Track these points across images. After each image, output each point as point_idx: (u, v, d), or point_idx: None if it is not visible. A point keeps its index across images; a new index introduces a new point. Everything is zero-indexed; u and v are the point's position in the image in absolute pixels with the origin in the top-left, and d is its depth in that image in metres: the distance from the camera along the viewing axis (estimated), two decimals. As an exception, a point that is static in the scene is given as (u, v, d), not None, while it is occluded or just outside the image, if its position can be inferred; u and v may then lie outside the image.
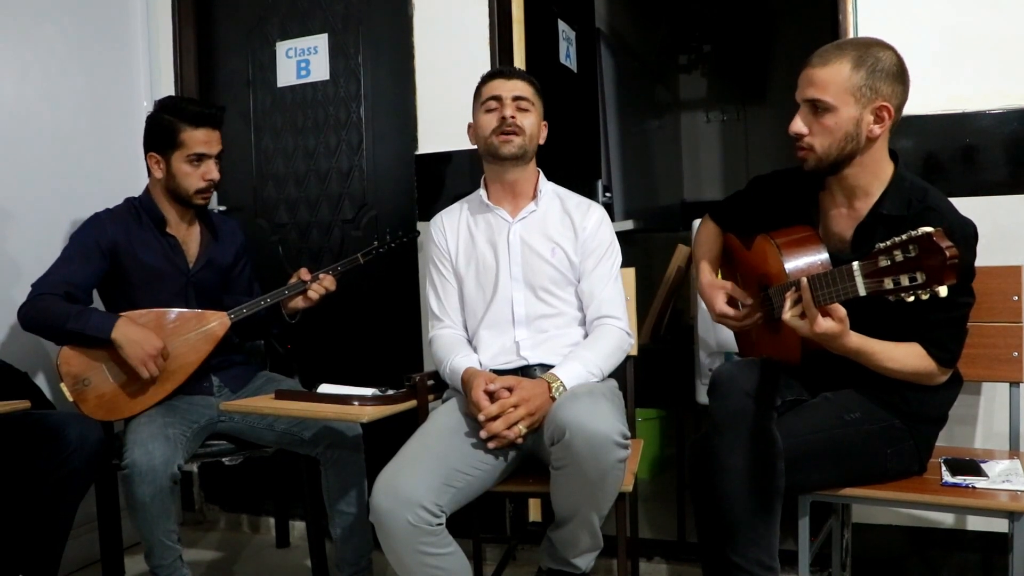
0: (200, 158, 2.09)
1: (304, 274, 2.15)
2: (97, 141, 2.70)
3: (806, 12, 4.63)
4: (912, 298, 1.27)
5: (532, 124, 1.89)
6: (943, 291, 1.24)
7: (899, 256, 1.27)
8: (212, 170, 2.12)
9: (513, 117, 1.86)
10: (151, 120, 2.12)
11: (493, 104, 1.89)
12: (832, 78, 1.54)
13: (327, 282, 2.15)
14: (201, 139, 2.09)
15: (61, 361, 1.96)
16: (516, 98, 1.88)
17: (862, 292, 1.35)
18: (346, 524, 2.10)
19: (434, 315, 1.97)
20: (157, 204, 2.15)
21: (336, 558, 2.15)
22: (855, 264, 1.35)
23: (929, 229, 1.24)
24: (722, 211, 2.00)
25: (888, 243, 1.29)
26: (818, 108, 1.56)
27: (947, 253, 1.22)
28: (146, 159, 2.12)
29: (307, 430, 2.07)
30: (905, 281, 1.27)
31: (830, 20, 2.17)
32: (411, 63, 2.58)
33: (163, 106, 2.14)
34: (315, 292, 2.13)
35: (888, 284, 1.29)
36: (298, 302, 2.14)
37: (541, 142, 1.95)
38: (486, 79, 1.94)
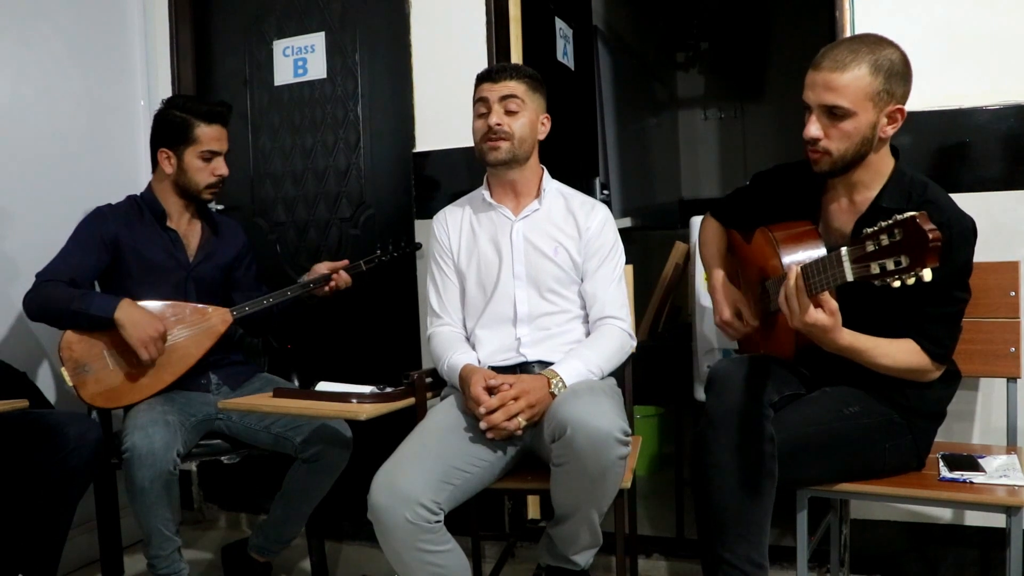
0: (212, 155, 2.14)
1: (323, 268, 2.19)
2: (94, 140, 2.70)
3: (803, 9, 4.64)
4: (898, 283, 1.26)
5: (523, 125, 1.84)
6: (927, 275, 1.23)
7: (885, 240, 1.27)
8: (221, 166, 2.17)
9: (499, 124, 1.82)
10: (162, 116, 2.15)
11: (482, 108, 1.86)
12: (851, 84, 1.51)
13: (343, 279, 2.19)
14: (213, 136, 2.14)
15: (63, 346, 1.97)
16: (504, 98, 1.83)
17: (849, 277, 1.35)
18: (290, 515, 2.15)
19: (433, 312, 1.96)
20: (159, 199, 2.18)
21: (257, 532, 2.21)
22: (843, 249, 1.35)
23: (913, 213, 1.24)
24: (724, 208, 2.00)
25: (875, 228, 1.29)
26: (836, 113, 1.54)
27: (930, 236, 1.21)
28: (155, 154, 2.15)
29: (299, 435, 2.07)
30: (891, 265, 1.26)
31: (827, 17, 2.17)
32: (408, 61, 2.58)
33: (174, 103, 2.18)
34: (333, 288, 2.18)
35: (875, 269, 1.29)
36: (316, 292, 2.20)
37: (541, 137, 1.92)
38: (478, 80, 1.90)
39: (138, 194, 2.22)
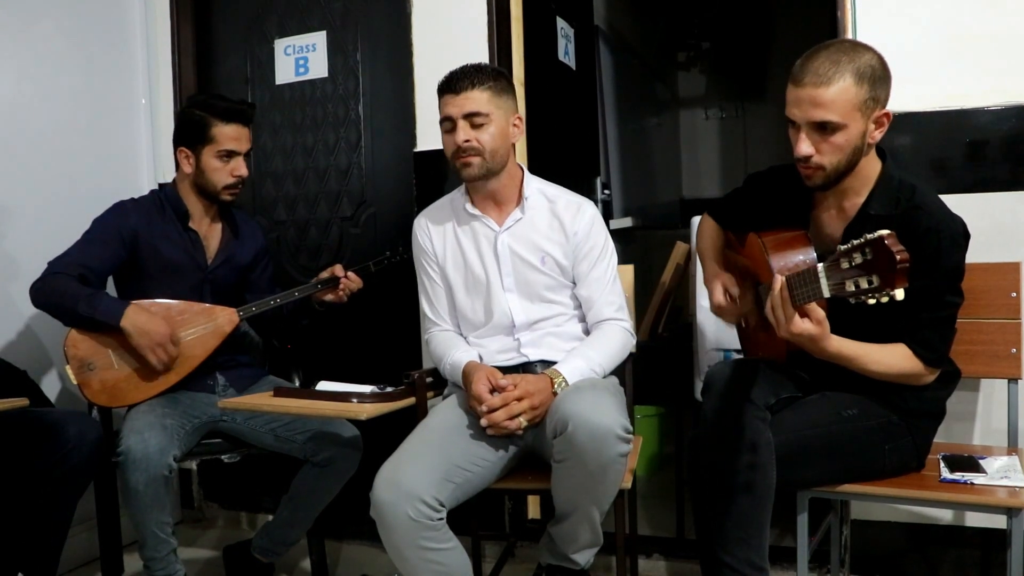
0: (230, 155, 2.10)
1: (339, 270, 2.18)
2: (95, 139, 2.70)
3: (804, 9, 4.62)
4: (873, 301, 1.25)
5: (492, 136, 1.76)
6: (899, 295, 1.22)
7: (858, 259, 1.26)
8: (241, 166, 2.13)
9: (467, 141, 1.75)
10: (182, 115, 2.14)
11: (448, 125, 1.79)
12: (838, 97, 1.49)
13: (354, 281, 2.19)
14: (231, 135, 2.09)
15: (68, 344, 1.97)
16: (468, 115, 1.76)
17: (826, 293, 1.34)
18: (296, 518, 2.15)
19: (428, 318, 1.96)
20: (182, 198, 2.15)
21: (261, 533, 2.22)
22: (820, 265, 1.34)
23: (884, 232, 1.23)
24: (720, 209, 2.00)
25: (848, 245, 1.28)
26: (826, 128, 1.52)
27: (897, 258, 1.20)
28: (175, 153, 2.13)
29: (306, 437, 2.06)
30: (864, 284, 1.25)
31: (828, 17, 2.16)
32: (410, 60, 2.57)
33: (194, 101, 2.15)
34: (345, 291, 2.18)
35: (849, 287, 1.28)
36: (329, 296, 2.19)
37: (516, 141, 1.85)
38: (439, 91, 1.81)
39: (161, 189, 2.19)
